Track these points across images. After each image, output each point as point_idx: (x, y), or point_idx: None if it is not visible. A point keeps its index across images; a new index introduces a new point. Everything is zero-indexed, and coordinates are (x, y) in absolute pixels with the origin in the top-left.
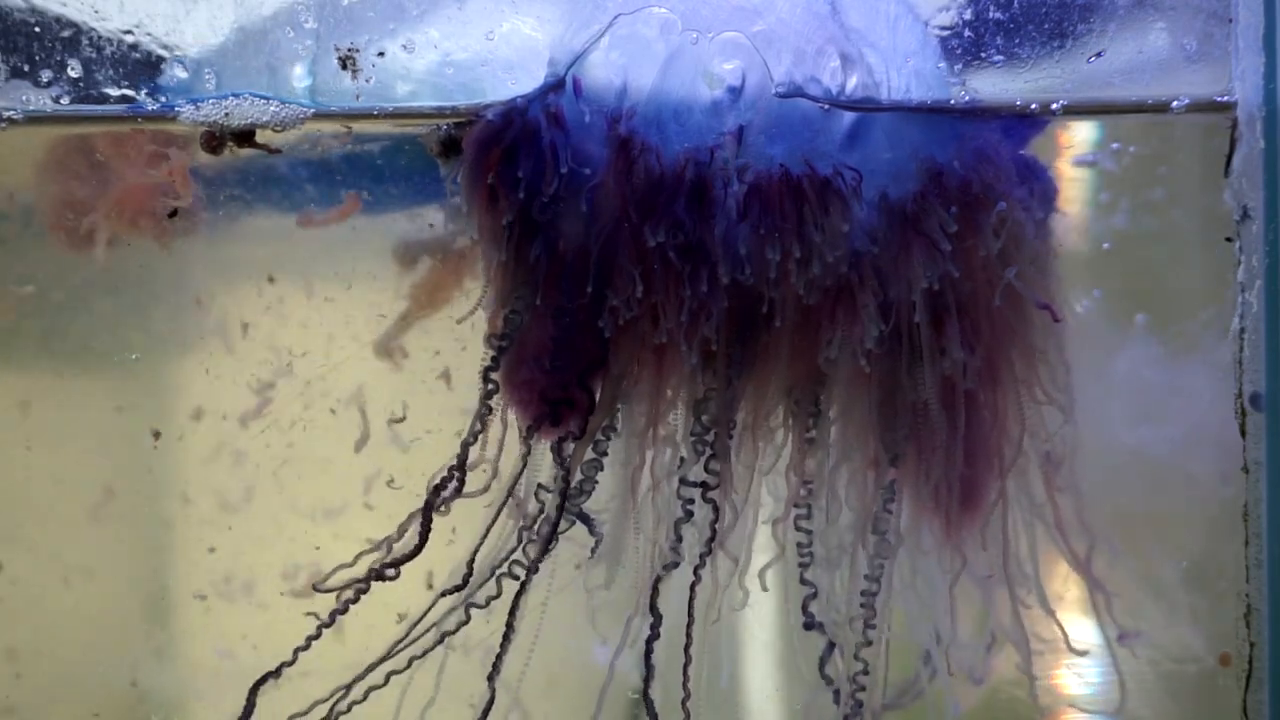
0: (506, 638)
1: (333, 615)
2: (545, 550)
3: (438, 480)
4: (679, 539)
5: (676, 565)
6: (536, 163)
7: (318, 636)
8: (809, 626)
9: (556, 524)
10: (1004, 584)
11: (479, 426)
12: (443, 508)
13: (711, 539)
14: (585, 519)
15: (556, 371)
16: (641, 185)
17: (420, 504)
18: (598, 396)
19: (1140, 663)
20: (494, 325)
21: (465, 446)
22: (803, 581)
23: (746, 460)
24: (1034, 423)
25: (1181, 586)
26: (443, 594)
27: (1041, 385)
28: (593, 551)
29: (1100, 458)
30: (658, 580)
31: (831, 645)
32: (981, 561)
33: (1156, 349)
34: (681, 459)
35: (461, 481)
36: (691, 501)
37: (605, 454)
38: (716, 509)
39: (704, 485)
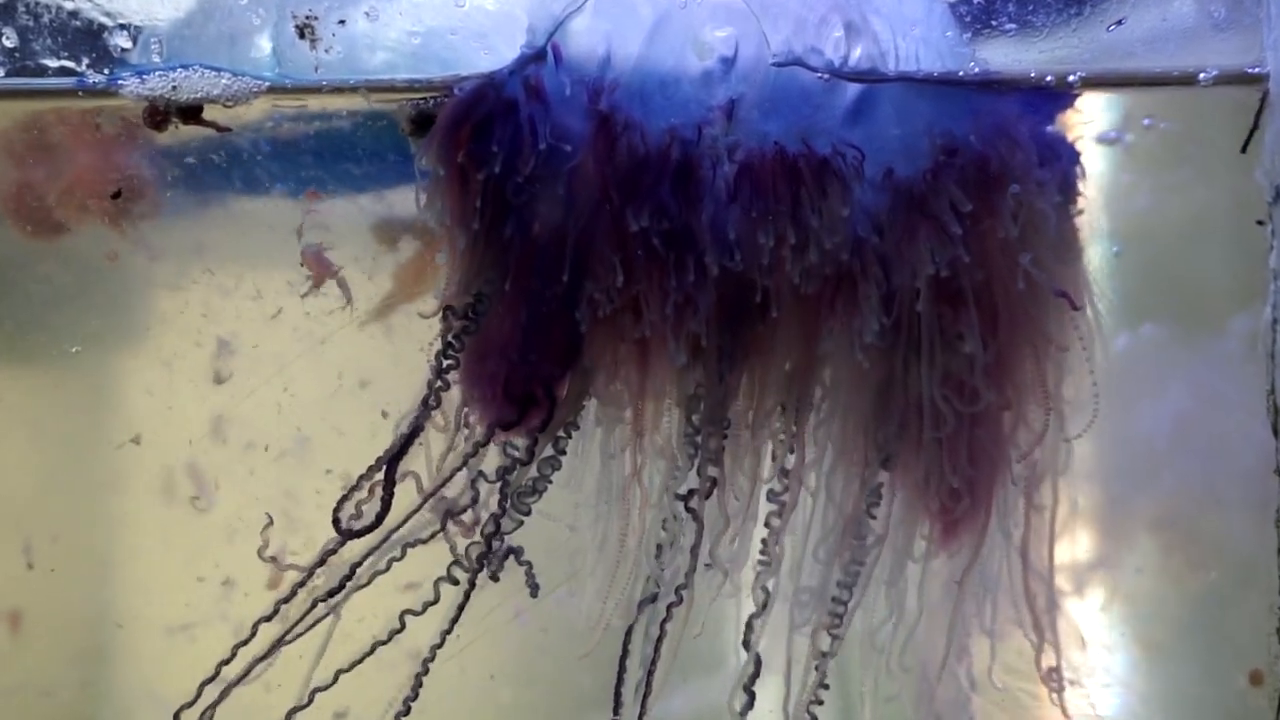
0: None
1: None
2: (484, 560)
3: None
4: (671, 542)
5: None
6: (513, 138)
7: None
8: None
9: (493, 536)
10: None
11: (422, 424)
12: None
13: (696, 546)
14: (513, 554)
15: (524, 364)
16: (623, 165)
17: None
18: (565, 392)
19: (1166, 681)
20: (453, 313)
21: (407, 440)
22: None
23: (741, 463)
24: (1045, 424)
25: (1209, 599)
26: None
27: (1054, 384)
28: (532, 590)
29: (1120, 460)
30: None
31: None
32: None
33: (1182, 340)
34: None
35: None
36: (687, 511)
37: (564, 453)
38: (700, 522)
39: (689, 495)
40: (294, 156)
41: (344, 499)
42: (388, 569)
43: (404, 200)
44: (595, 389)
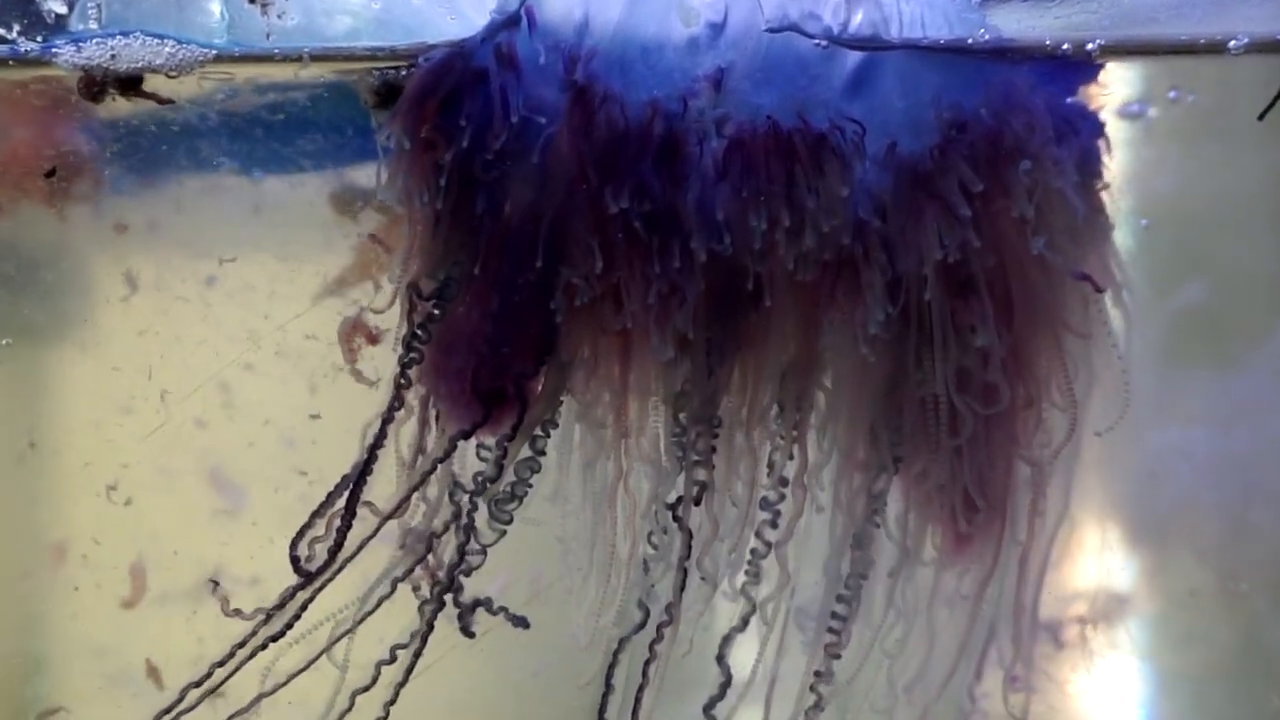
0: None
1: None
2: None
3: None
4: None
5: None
6: (483, 111)
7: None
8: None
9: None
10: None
11: (385, 433)
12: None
13: (685, 559)
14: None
15: (495, 357)
16: (602, 141)
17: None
18: (540, 386)
19: (1197, 705)
20: (416, 295)
21: (370, 455)
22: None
23: (735, 467)
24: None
25: (1244, 619)
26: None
27: (1075, 377)
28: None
29: (1143, 463)
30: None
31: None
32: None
33: (1213, 334)
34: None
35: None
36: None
37: (543, 453)
38: (687, 531)
39: (677, 503)
40: (245, 131)
41: (302, 531)
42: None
43: (366, 172)
44: (573, 385)
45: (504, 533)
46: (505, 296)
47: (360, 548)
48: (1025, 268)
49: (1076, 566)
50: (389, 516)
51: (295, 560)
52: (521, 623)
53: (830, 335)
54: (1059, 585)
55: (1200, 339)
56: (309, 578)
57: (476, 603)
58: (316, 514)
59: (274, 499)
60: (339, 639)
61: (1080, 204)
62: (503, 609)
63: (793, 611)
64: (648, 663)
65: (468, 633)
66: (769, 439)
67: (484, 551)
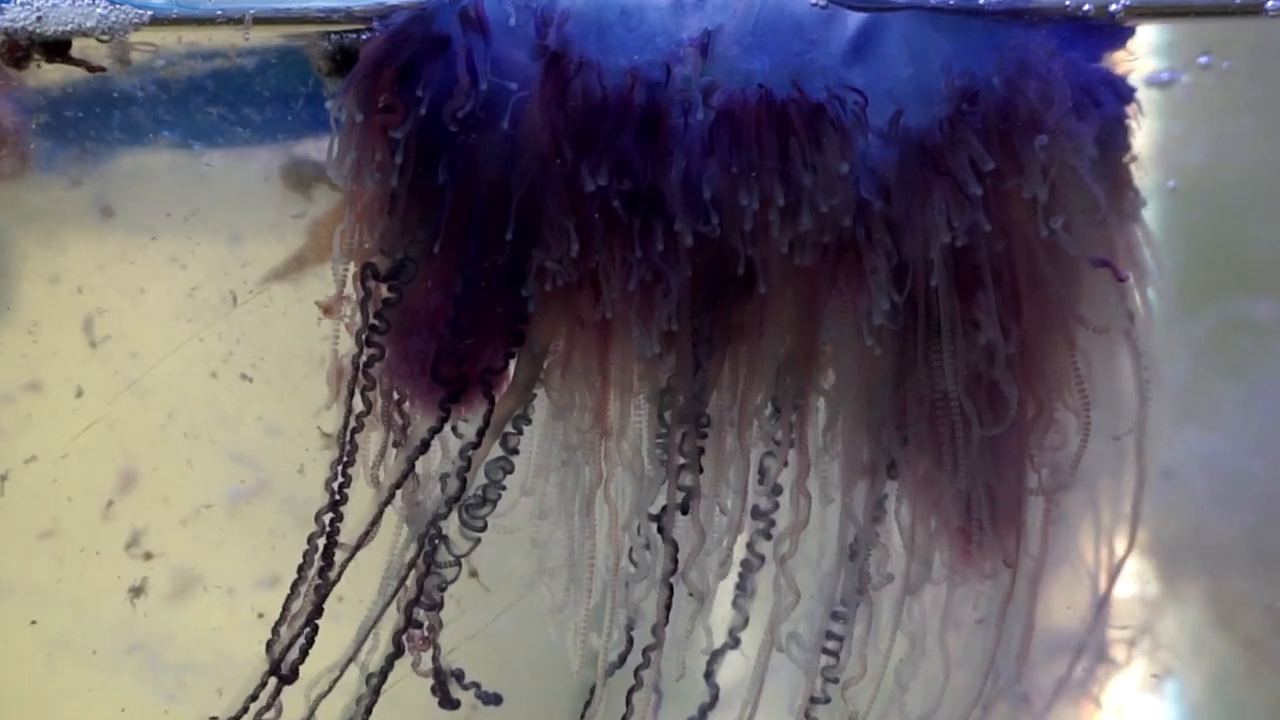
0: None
1: None
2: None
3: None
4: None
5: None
6: (445, 78)
7: None
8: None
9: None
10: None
11: (352, 424)
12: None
13: (672, 573)
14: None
15: (457, 344)
16: (577, 113)
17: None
18: (509, 377)
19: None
20: (370, 285)
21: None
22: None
23: (723, 471)
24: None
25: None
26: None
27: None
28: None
29: (1167, 466)
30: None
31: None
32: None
33: (1248, 322)
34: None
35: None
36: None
37: (516, 451)
38: (672, 543)
39: (661, 514)
40: (185, 100)
41: (275, 631)
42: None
43: (319, 145)
44: (547, 379)
45: (478, 541)
46: (470, 280)
47: (341, 571)
48: (1039, 253)
49: (1096, 580)
50: (359, 544)
51: (277, 668)
52: (493, 700)
53: (830, 326)
54: (1077, 600)
55: (1230, 324)
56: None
57: (448, 674)
58: (285, 612)
59: (214, 493)
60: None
61: (1098, 186)
62: (474, 684)
63: (787, 631)
64: (632, 690)
65: (447, 705)
66: (762, 441)
67: (458, 563)
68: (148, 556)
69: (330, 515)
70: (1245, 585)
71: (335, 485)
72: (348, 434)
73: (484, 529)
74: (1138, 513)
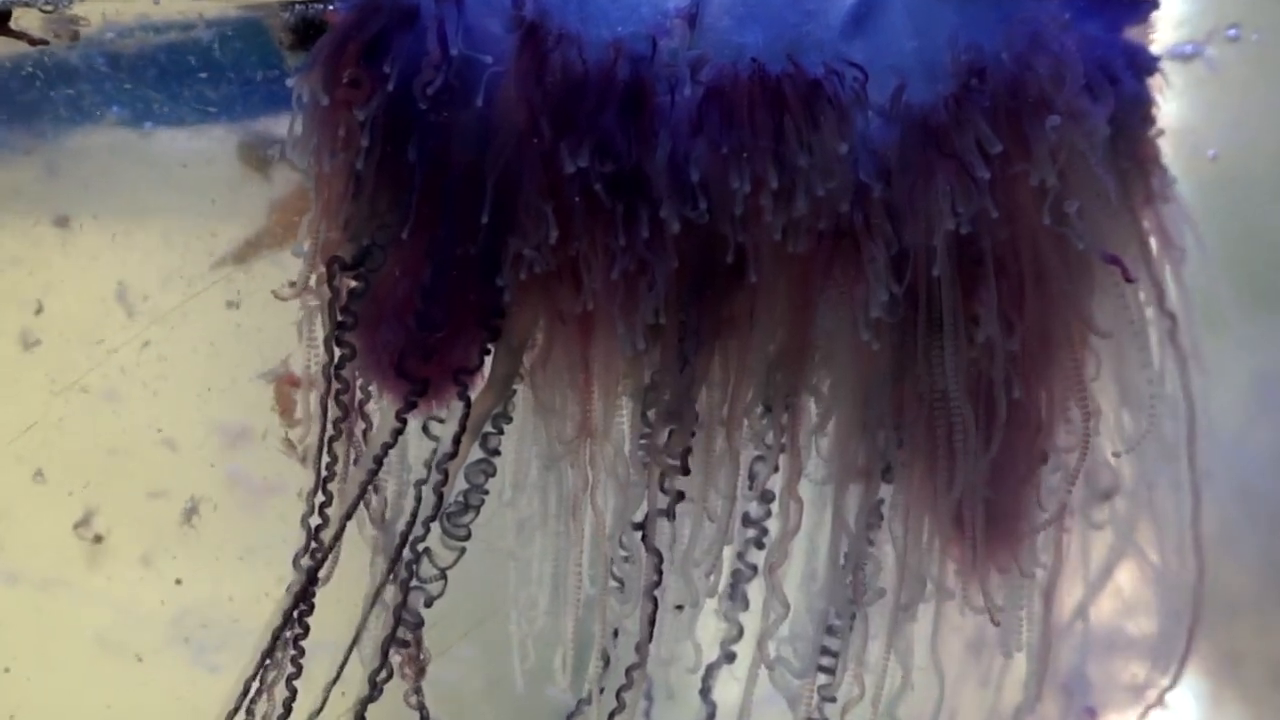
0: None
1: None
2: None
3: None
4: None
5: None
6: (414, 52)
7: None
8: None
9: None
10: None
11: (332, 425)
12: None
13: (657, 585)
14: None
15: (426, 338)
16: (556, 89)
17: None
18: (485, 373)
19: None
20: (336, 278)
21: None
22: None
23: (711, 474)
24: (1093, 426)
25: None
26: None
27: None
28: None
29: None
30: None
31: None
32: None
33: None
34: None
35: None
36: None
37: (497, 452)
38: (656, 553)
39: (642, 525)
40: (135, 76)
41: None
42: None
43: (280, 123)
44: (526, 376)
45: (462, 551)
46: (440, 268)
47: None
48: (1046, 244)
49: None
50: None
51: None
52: None
53: (825, 319)
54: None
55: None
56: None
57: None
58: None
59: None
60: None
61: (1119, 166)
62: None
63: (780, 647)
64: (613, 714)
65: None
66: (753, 442)
67: (443, 576)
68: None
69: (311, 546)
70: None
71: (316, 502)
72: (324, 444)
73: (468, 538)
74: (1198, 521)
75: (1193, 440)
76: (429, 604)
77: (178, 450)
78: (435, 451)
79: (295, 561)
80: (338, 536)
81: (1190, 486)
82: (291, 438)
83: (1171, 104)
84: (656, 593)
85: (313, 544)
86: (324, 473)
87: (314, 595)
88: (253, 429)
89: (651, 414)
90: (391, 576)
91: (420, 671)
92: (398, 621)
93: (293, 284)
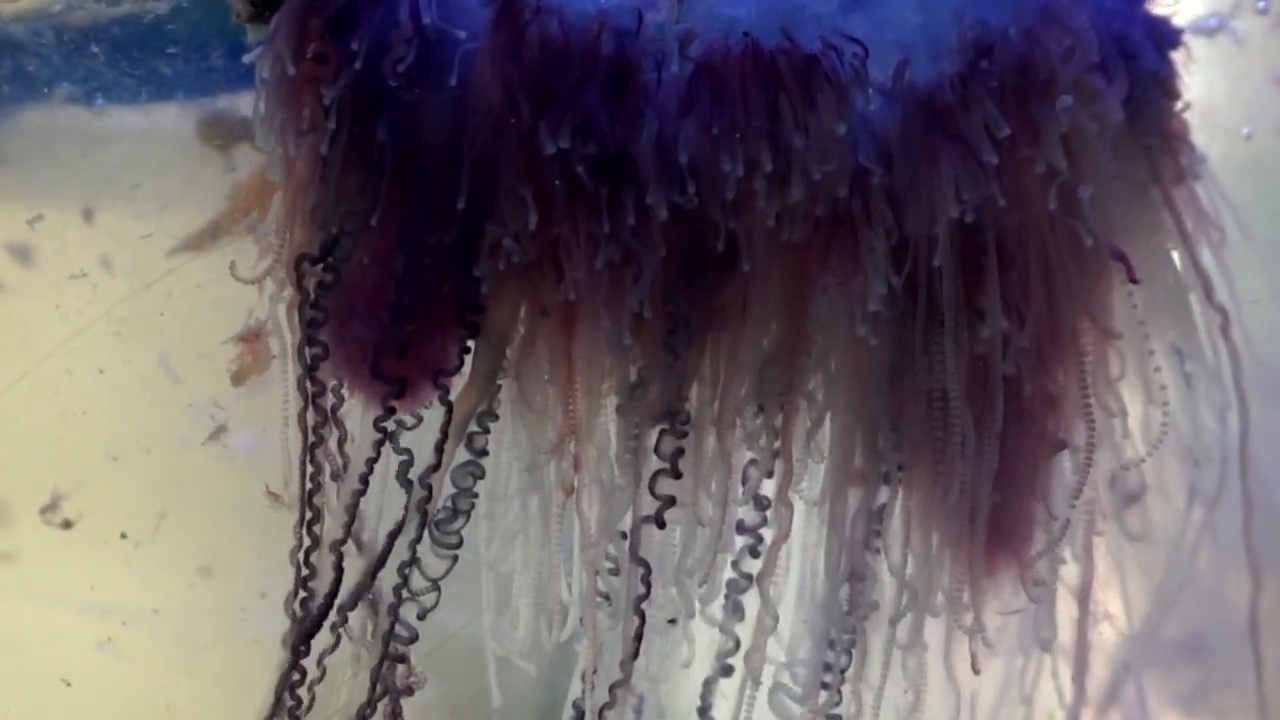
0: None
1: None
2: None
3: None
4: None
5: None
6: (382, 26)
7: None
8: None
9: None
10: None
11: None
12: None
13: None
14: None
15: (398, 327)
16: (535, 65)
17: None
18: (467, 370)
19: None
20: (301, 263)
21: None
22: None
23: (703, 478)
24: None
25: None
26: None
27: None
28: None
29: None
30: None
31: None
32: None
33: None
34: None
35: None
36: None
37: (485, 453)
38: (643, 563)
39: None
40: (85, 50)
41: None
42: None
43: (239, 100)
44: (508, 371)
45: (455, 559)
46: (413, 257)
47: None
48: (1055, 233)
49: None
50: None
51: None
52: None
53: (821, 311)
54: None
55: None
56: None
57: None
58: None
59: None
60: None
61: (1138, 154)
62: None
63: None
64: None
65: None
66: (746, 442)
67: (436, 587)
68: None
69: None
70: None
71: (305, 520)
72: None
73: (459, 545)
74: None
75: (1245, 445)
76: (422, 616)
77: (141, 443)
78: (403, 464)
79: (286, 608)
80: (338, 574)
81: (1243, 495)
82: (275, 490)
83: (1191, 83)
84: (644, 606)
85: (303, 573)
86: (309, 485)
87: (313, 637)
88: (213, 417)
89: (638, 413)
90: (374, 594)
91: (408, 690)
92: (389, 640)
93: (253, 267)
